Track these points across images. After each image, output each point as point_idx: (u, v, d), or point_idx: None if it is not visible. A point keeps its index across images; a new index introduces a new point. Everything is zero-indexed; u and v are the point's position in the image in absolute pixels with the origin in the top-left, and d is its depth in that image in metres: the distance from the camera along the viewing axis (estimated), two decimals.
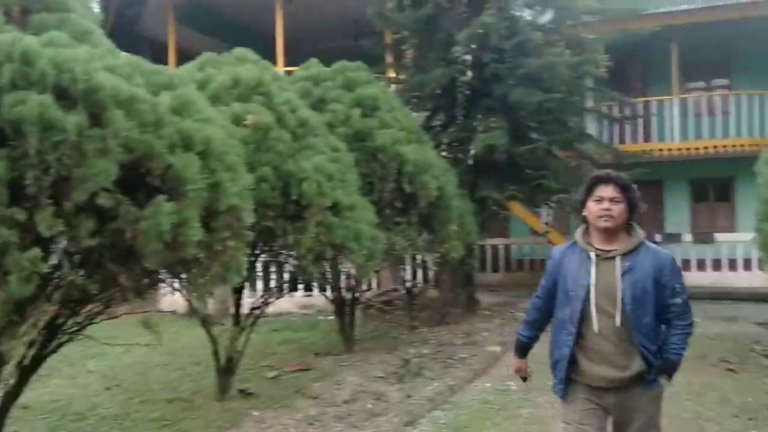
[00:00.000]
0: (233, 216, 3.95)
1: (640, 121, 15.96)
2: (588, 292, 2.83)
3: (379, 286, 12.52)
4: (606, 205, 2.83)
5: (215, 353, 5.83)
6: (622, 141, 15.74)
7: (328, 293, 7.98)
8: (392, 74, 11.68)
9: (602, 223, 2.84)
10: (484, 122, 9.47)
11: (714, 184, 16.67)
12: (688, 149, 15.24)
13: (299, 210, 5.34)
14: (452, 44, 9.94)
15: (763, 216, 6.80)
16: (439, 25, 10.42)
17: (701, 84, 17.04)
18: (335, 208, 5.49)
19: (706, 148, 15.10)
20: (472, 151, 9.35)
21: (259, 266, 7.63)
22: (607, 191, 2.85)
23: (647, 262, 2.82)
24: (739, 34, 15.74)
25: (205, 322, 5.55)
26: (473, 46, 9.66)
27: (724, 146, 14.99)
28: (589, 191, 2.92)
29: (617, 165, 11.63)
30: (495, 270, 16.43)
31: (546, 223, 13.97)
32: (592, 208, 2.89)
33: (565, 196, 9.42)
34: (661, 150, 14.98)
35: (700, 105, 15.77)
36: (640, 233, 2.92)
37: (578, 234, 3.01)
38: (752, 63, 16.03)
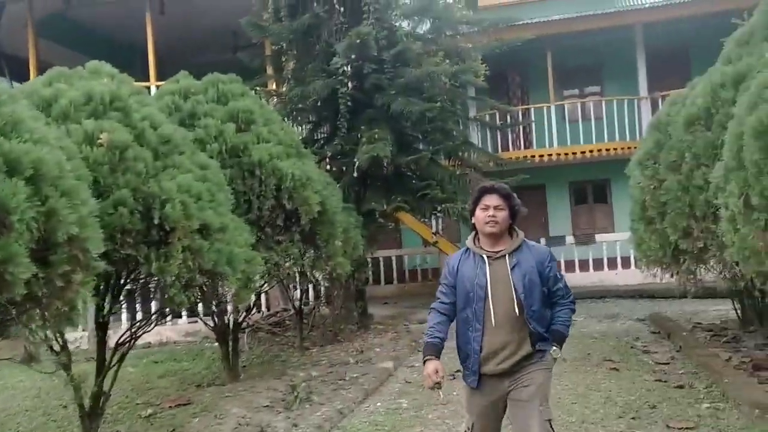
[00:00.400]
0: (76, 247, 3.51)
1: (522, 128, 16.45)
2: (486, 290, 3.22)
3: (268, 307, 12.08)
4: (491, 212, 3.25)
5: (77, 396, 5.26)
6: (505, 148, 16.16)
7: (208, 319, 7.50)
8: (273, 87, 11.33)
9: (489, 229, 3.26)
10: (368, 133, 9.31)
11: (592, 187, 17.42)
12: (566, 154, 15.82)
13: (164, 235, 4.90)
14: (332, 55, 9.75)
15: (635, 217, 7.00)
16: (318, 35, 10.21)
17: (576, 91, 17.83)
18: (204, 231, 5.08)
19: (582, 152, 15.74)
20: (357, 163, 9.15)
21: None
22: (491, 200, 3.27)
23: (530, 257, 3.28)
24: (609, 43, 16.57)
25: (63, 363, 4.99)
26: (353, 57, 9.49)
27: (599, 150, 15.67)
28: (476, 201, 3.33)
29: (501, 172, 11.85)
30: (388, 282, 16.35)
31: (436, 233, 14.02)
32: (479, 215, 3.30)
33: (451, 205, 9.40)
34: (541, 156, 15.49)
35: (576, 111, 16.47)
36: (520, 234, 3.36)
37: (469, 240, 3.43)
38: (621, 70, 16.90)
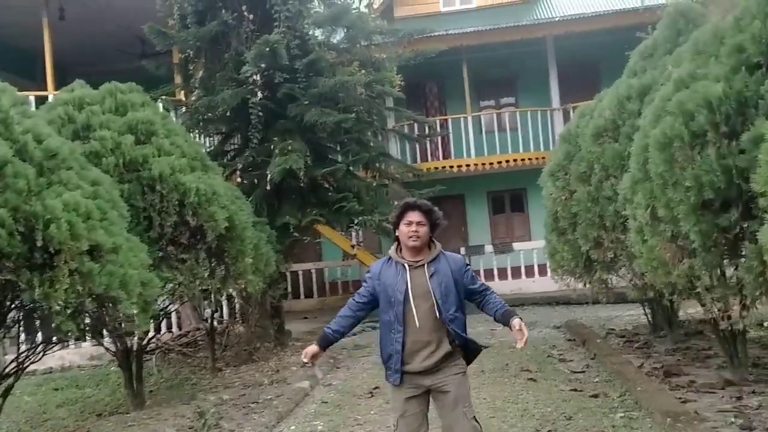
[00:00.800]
0: None
1: (440, 139, 16.53)
2: (406, 295, 3.49)
3: (179, 326, 11.55)
4: (414, 228, 3.53)
5: None
6: (424, 159, 16.17)
7: (111, 342, 7.02)
8: (182, 96, 10.87)
9: (411, 243, 3.53)
10: (281, 145, 9.03)
11: (510, 196, 17.68)
12: (484, 164, 15.97)
13: (48, 257, 4.49)
14: (242, 63, 9.41)
15: (548, 227, 7.01)
16: (227, 43, 9.85)
17: (492, 102, 18.11)
18: (95, 252, 4.69)
19: (499, 162, 15.94)
20: (270, 176, 8.84)
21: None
22: (414, 216, 3.55)
23: (446, 266, 3.57)
24: (523, 55, 16.92)
25: None
26: (263, 65, 9.19)
27: (515, 160, 15.91)
28: (400, 216, 3.59)
29: (419, 183, 11.79)
30: (308, 296, 16.03)
31: (355, 245, 13.83)
32: (402, 230, 3.56)
33: (369, 217, 9.22)
34: (460, 166, 15.59)
35: (492, 122, 16.70)
36: (438, 246, 3.66)
37: (392, 251, 3.67)
38: (535, 82, 17.26)
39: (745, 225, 3.76)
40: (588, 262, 6.36)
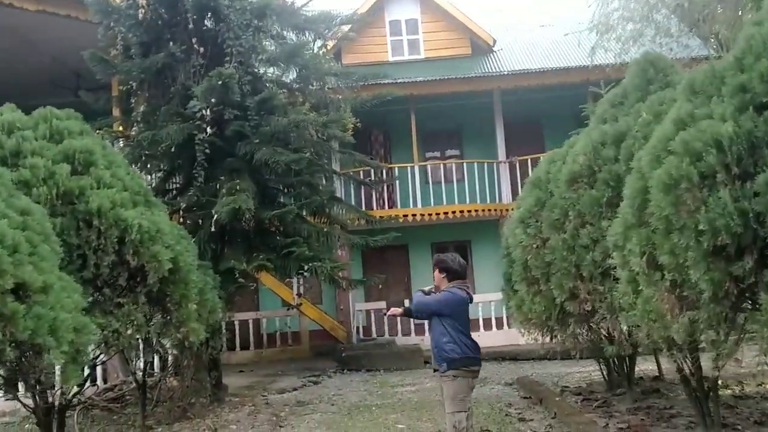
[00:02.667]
0: None
1: (385, 188, 16.24)
2: None
3: (105, 379, 10.57)
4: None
5: None
6: (368, 207, 15.81)
7: (25, 397, 6.15)
8: (121, 130, 10.17)
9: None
10: (228, 184, 8.46)
11: (454, 248, 17.42)
12: (429, 214, 15.72)
13: None
14: (189, 98, 8.87)
15: (517, 277, 6.68)
16: (174, 76, 9.30)
17: (437, 153, 18.02)
18: (21, 291, 4.02)
19: (445, 213, 15.73)
20: (216, 216, 8.23)
21: None
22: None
23: None
24: (470, 108, 16.99)
25: None
26: (213, 101, 8.67)
27: (461, 211, 15.74)
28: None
29: (371, 231, 11.33)
30: (245, 347, 15.16)
31: (298, 295, 13.17)
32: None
33: (319, 264, 8.69)
34: (405, 215, 15.26)
35: (438, 172, 16.57)
36: (448, 285, 5.46)
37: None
38: (480, 135, 17.32)
39: (761, 273, 3.46)
40: (562, 315, 6.02)
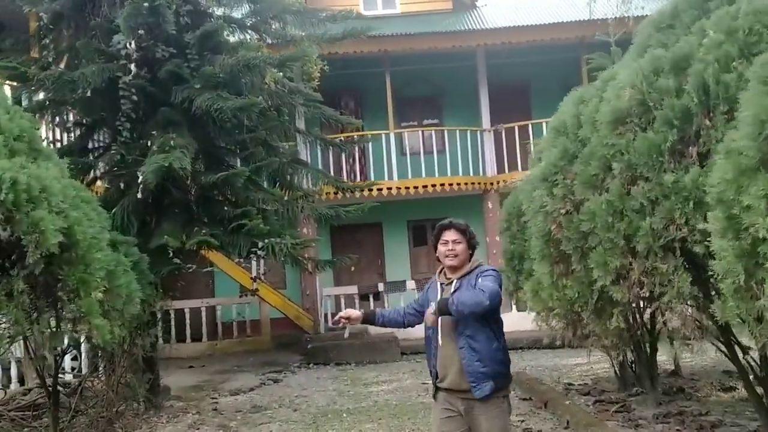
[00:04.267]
0: None
1: (358, 159, 14.55)
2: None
3: (22, 381, 8.76)
4: (450, 246, 3.63)
5: None
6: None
7: None
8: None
9: (449, 262, 3.63)
10: (160, 140, 6.67)
11: (432, 227, 15.77)
12: (407, 188, 14.04)
13: None
14: (113, 32, 7.05)
15: (536, 254, 5.06)
16: (95, 10, 7.44)
17: (414, 123, 16.27)
18: None
19: (424, 186, 14.06)
20: (143, 177, 6.45)
21: None
22: (450, 235, 3.65)
23: (473, 279, 3.53)
24: (450, 71, 15.31)
25: None
26: (141, 33, 6.83)
27: (442, 185, 14.09)
28: (437, 238, 3.71)
29: (342, 204, 9.56)
30: (197, 338, 13.38)
31: (256, 278, 11.42)
32: (441, 250, 3.66)
33: (277, 240, 6.96)
34: (380, 189, 13.52)
35: (417, 142, 14.90)
36: (475, 263, 3.67)
37: (436, 273, 3.78)
38: (462, 101, 15.67)
39: None
40: (601, 303, 4.41)
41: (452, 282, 3.54)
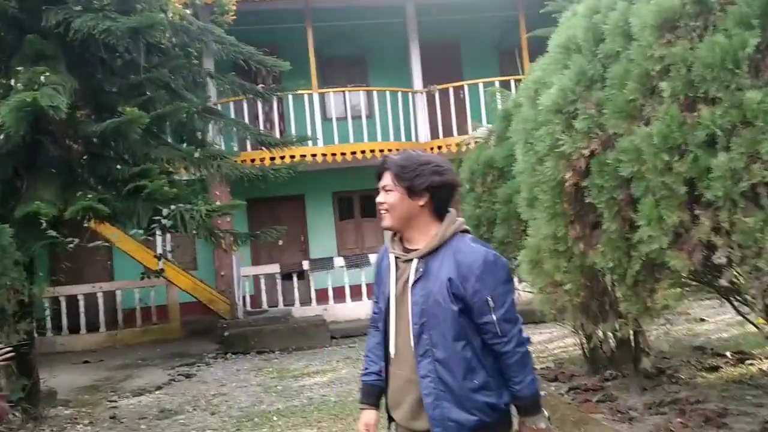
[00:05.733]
0: None
1: (276, 122, 13.00)
2: (389, 306, 2.23)
3: None
4: (380, 197, 2.23)
5: None
6: (255, 146, 12.51)
7: None
8: None
9: (383, 223, 2.25)
10: (27, 75, 5.01)
11: (359, 198, 14.48)
12: (333, 155, 12.62)
13: None
14: None
15: (546, 209, 3.85)
16: None
17: (338, 86, 14.79)
18: None
19: (353, 153, 12.67)
20: (1, 122, 4.79)
21: None
22: (382, 180, 2.23)
23: (451, 264, 2.11)
24: (379, 28, 13.94)
25: None
26: None
27: (371, 150, 12.75)
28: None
29: (263, 174, 8.00)
30: (93, 329, 11.57)
31: (159, 256, 9.74)
32: None
33: (186, 206, 5.45)
34: (303, 155, 12.01)
35: (341, 106, 13.47)
36: (448, 228, 2.15)
37: (389, 239, 2.36)
38: (391, 62, 14.34)
39: None
40: (643, 275, 3.24)
41: (410, 260, 2.17)
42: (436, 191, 2.13)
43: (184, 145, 6.75)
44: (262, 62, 7.53)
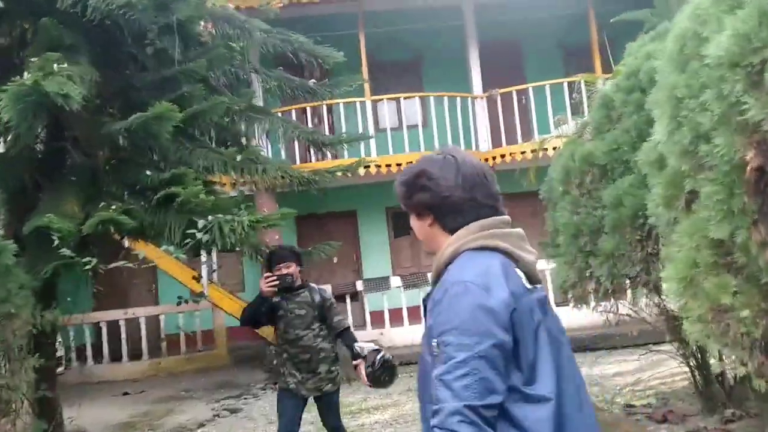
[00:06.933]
0: None
1: (327, 131, 12.16)
2: None
3: None
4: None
5: None
6: (303, 159, 11.70)
7: None
8: None
9: None
10: (38, 63, 4.21)
11: None
12: (387, 166, 11.70)
13: None
14: None
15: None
16: None
17: (389, 91, 13.87)
18: None
19: (409, 164, 11.67)
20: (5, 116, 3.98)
21: None
22: None
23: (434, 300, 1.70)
24: (430, 31, 13.04)
25: None
26: None
27: None
28: None
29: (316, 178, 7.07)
30: (136, 356, 10.83)
31: (199, 276, 8.90)
32: None
33: (227, 218, 4.56)
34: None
35: (397, 112, 12.58)
36: (446, 250, 1.73)
37: None
38: (444, 64, 13.39)
39: None
40: None
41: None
42: (434, 208, 1.76)
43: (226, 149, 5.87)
44: (313, 52, 6.64)
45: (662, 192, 3.25)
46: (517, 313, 1.53)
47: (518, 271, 1.62)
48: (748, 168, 2.53)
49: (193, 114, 4.96)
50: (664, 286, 3.05)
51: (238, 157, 5.32)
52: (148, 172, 4.86)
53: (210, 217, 4.49)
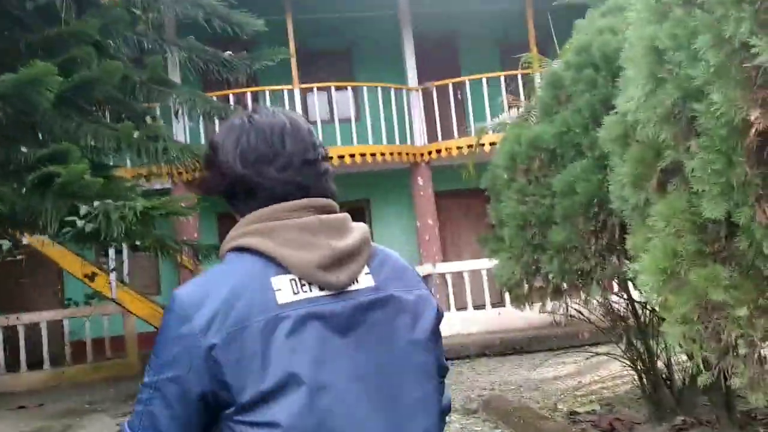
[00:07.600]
0: None
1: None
2: None
3: None
4: None
5: None
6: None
7: None
8: None
9: None
10: None
11: (351, 208, 12.83)
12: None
13: None
14: None
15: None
16: None
17: (320, 82, 13.19)
18: None
19: (340, 157, 11.05)
20: None
21: None
22: None
23: None
24: (363, 21, 12.44)
25: None
26: None
27: (362, 154, 11.15)
28: None
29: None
30: (35, 365, 9.77)
31: (89, 275, 8.00)
32: None
33: (115, 204, 3.81)
34: None
35: (327, 104, 11.93)
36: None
37: None
38: (377, 56, 12.82)
39: None
40: None
41: None
42: (220, 191, 1.33)
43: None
44: (228, 18, 5.92)
45: (630, 170, 2.74)
46: (228, 347, 1.13)
47: (282, 280, 1.17)
48: (752, 131, 2.02)
49: (81, 81, 4.17)
50: (640, 278, 2.52)
51: (135, 134, 4.56)
52: (23, 149, 4.05)
53: (96, 203, 3.73)
